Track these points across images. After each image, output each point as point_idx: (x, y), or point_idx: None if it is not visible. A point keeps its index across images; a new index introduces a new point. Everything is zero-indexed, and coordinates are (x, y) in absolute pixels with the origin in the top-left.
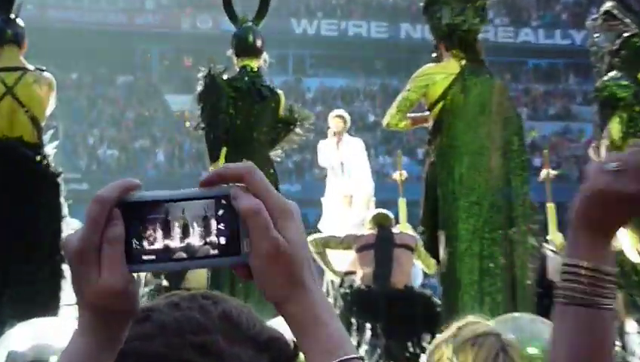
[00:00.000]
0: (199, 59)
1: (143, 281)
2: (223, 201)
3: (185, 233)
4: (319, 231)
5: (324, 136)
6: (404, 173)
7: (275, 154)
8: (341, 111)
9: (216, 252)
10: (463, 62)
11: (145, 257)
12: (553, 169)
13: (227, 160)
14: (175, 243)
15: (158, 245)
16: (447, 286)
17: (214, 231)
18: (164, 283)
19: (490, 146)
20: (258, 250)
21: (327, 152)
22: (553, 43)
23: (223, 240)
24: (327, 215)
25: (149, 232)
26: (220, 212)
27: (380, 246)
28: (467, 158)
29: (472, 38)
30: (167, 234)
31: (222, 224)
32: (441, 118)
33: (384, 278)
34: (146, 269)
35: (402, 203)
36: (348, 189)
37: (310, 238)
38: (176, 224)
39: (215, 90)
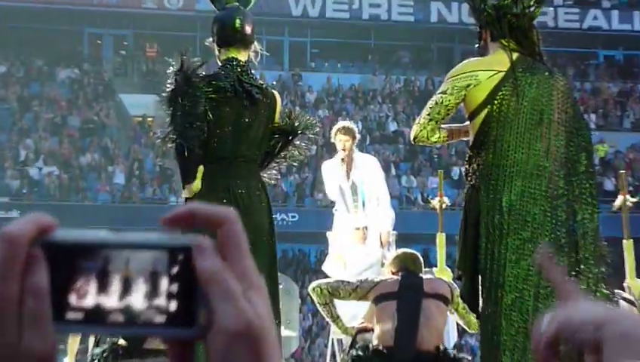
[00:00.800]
0: (167, 48)
1: (93, 340)
2: (181, 256)
3: (126, 290)
4: (324, 276)
5: (330, 148)
6: (446, 200)
7: (269, 175)
8: (347, 124)
9: (162, 319)
10: (515, 55)
11: (70, 315)
12: (631, 195)
13: (206, 183)
14: (112, 301)
15: (90, 302)
16: (488, 351)
17: (164, 293)
18: (122, 342)
19: (550, 166)
20: (221, 324)
21: (333, 176)
22: (631, 29)
23: (173, 306)
24: (334, 254)
25: (79, 284)
26: (175, 269)
27: (405, 295)
28: (519, 182)
29: (527, 24)
30: (102, 289)
31: (175, 284)
32: (486, 129)
33: (409, 338)
34: (70, 331)
35: (441, 239)
36: (361, 220)
37: (313, 285)
38: (116, 277)
39: (189, 90)
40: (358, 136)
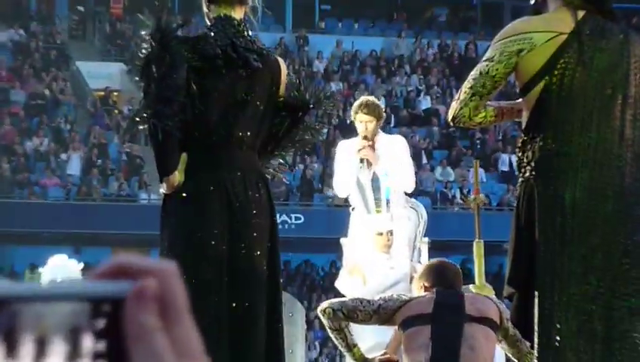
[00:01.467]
0: (136, 3)
1: None
2: (107, 308)
3: (40, 353)
4: (336, 294)
5: (346, 131)
6: (483, 197)
7: (273, 165)
8: (371, 99)
9: None
10: (581, 13)
11: None
12: None
13: (189, 176)
14: None
15: None
16: None
17: (88, 354)
18: None
19: (625, 155)
20: None
21: (349, 164)
22: None
23: None
24: (350, 266)
25: None
26: (101, 323)
27: (442, 318)
28: (586, 174)
29: None
30: (10, 352)
31: (102, 342)
32: (544, 106)
33: None
34: None
35: (479, 247)
36: (385, 223)
37: (324, 305)
38: (28, 337)
39: (166, 56)
40: (384, 115)
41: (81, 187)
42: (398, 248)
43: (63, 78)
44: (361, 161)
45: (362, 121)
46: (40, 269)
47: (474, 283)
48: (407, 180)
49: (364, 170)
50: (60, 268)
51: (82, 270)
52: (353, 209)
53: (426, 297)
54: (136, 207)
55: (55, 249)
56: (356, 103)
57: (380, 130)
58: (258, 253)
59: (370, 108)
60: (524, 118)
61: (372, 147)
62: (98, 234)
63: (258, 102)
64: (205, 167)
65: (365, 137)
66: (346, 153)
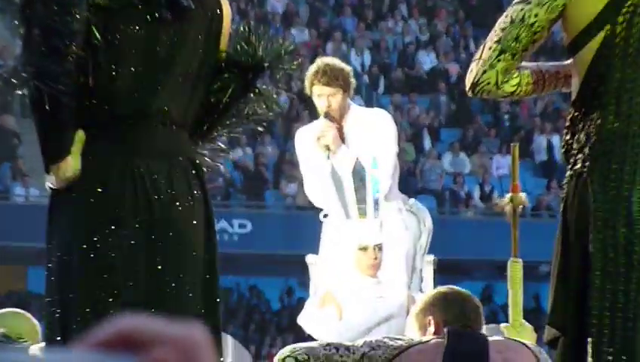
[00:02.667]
0: None
1: None
2: None
3: None
4: (300, 335)
5: (307, 104)
6: (523, 198)
7: (212, 149)
8: (330, 62)
9: None
10: None
11: None
12: None
13: (90, 162)
14: None
15: None
16: None
17: None
18: None
19: None
20: None
21: (313, 156)
22: None
23: None
24: (321, 294)
25: None
26: None
27: None
28: None
29: None
30: None
31: None
32: (603, 68)
33: None
34: None
35: (516, 269)
36: (370, 232)
37: (285, 352)
38: None
39: None
40: (353, 81)
41: None
42: (390, 269)
43: None
44: (327, 150)
45: (322, 95)
46: None
47: (503, 320)
48: (383, 179)
49: (335, 160)
50: None
51: None
52: (325, 215)
53: (432, 342)
54: (7, 206)
55: None
56: (311, 69)
57: (350, 102)
58: (187, 274)
59: (331, 76)
60: (574, 86)
61: (339, 130)
62: None
63: (190, 59)
64: (112, 151)
65: (328, 116)
66: (308, 145)
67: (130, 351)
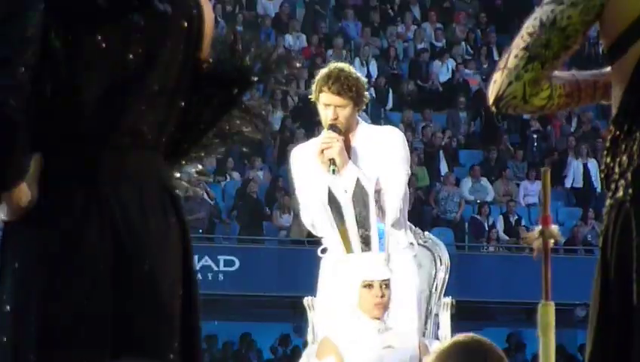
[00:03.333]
0: None
1: None
2: None
3: None
4: None
5: (312, 116)
6: (556, 231)
7: (192, 175)
8: (341, 67)
9: None
10: None
11: None
12: None
13: (49, 188)
14: None
15: None
16: None
17: None
18: None
19: None
20: None
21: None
22: None
23: None
24: (320, 341)
25: None
26: None
27: None
28: None
29: None
30: None
31: None
32: None
33: None
34: None
35: (548, 312)
36: (376, 266)
37: None
38: None
39: None
40: (366, 95)
41: None
42: (399, 312)
43: None
44: (333, 165)
45: (329, 105)
46: None
47: None
48: (391, 203)
49: (337, 185)
50: None
51: None
52: (324, 250)
53: None
54: None
55: None
56: (321, 73)
57: (358, 118)
58: (162, 321)
59: (344, 85)
60: (614, 99)
61: (346, 144)
62: None
63: (165, 72)
64: (75, 177)
65: (333, 128)
66: (308, 161)
67: None
